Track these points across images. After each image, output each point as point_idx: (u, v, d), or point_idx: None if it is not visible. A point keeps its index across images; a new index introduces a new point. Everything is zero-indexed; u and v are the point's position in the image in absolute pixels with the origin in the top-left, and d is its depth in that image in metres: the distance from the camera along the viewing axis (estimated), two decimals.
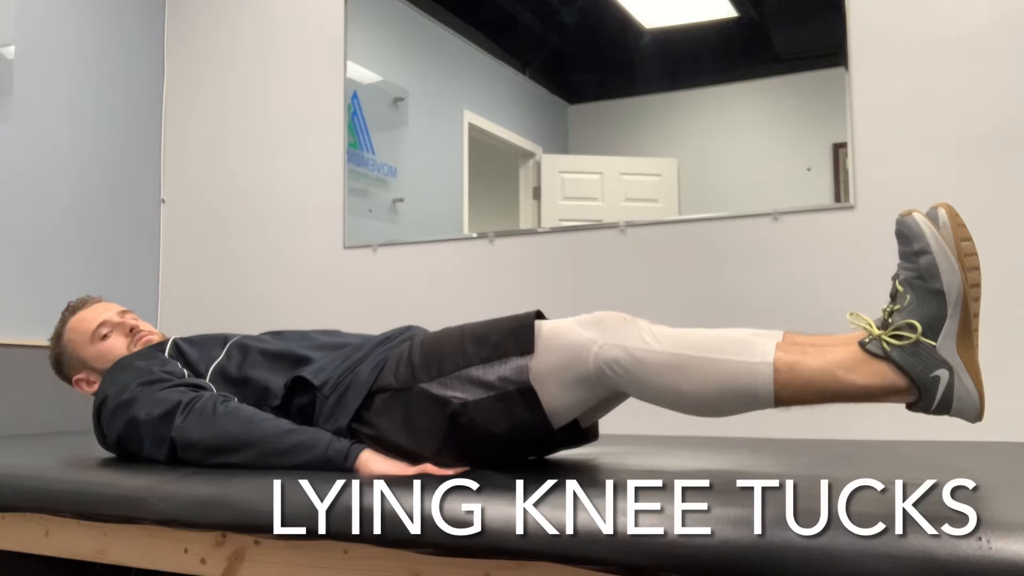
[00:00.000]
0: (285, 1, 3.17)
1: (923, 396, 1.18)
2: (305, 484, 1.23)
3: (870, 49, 2.31)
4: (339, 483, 1.22)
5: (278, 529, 1.19)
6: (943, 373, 1.17)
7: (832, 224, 2.32)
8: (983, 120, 2.19)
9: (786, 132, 2.41)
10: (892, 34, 2.29)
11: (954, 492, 1.10)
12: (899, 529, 0.88)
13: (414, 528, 1.10)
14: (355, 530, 1.14)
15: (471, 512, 1.08)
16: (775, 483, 1.20)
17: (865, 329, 1.22)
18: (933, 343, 1.17)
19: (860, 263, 2.29)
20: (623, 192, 2.65)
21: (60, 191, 2.93)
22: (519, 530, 1.04)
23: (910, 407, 1.21)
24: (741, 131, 2.51)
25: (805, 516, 0.94)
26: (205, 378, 1.58)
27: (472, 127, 2.92)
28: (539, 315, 1.40)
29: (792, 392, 1.21)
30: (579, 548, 1.00)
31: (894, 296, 1.22)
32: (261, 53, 3.19)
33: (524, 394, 1.30)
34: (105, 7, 3.11)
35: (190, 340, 1.69)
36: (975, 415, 1.20)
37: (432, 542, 1.09)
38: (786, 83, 2.43)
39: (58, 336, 1.74)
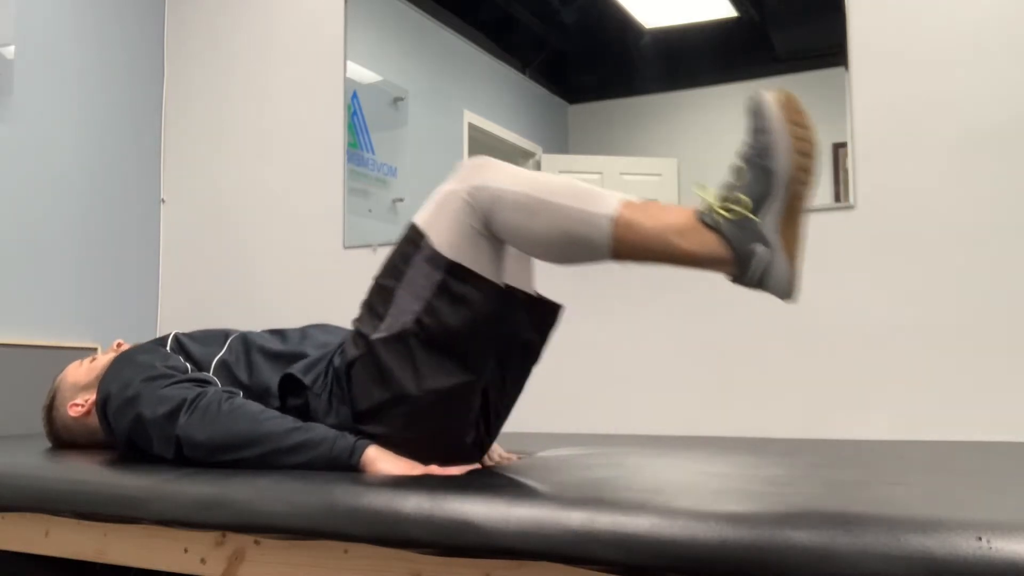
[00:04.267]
0: (285, 1, 3.17)
1: (742, 269, 1.24)
2: (305, 484, 1.23)
3: (870, 49, 2.31)
4: (340, 483, 1.22)
5: (278, 529, 1.20)
6: (762, 249, 1.23)
7: (832, 224, 2.32)
8: (983, 120, 2.19)
9: None
10: (892, 34, 2.29)
11: (954, 492, 1.10)
12: (899, 529, 0.88)
13: (414, 528, 1.10)
14: (355, 530, 1.14)
15: (471, 512, 1.08)
16: (775, 483, 1.20)
17: (705, 200, 1.27)
18: (758, 219, 1.23)
19: (860, 263, 2.29)
20: (623, 192, 2.65)
21: (60, 191, 2.93)
22: (519, 530, 1.04)
23: (733, 281, 1.26)
24: (741, 131, 2.50)
25: (805, 516, 0.94)
26: (208, 373, 1.58)
27: (472, 127, 2.92)
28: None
29: (627, 247, 1.26)
30: (579, 548, 1.00)
31: (734, 172, 1.28)
32: (261, 53, 3.19)
33: (452, 271, 1.33)
34: (105, 7, 3.11)
35: (191, 335, 1.69)
36: (786, 292, 1.25)
37: (432, 542, 1.09)
38: (786, 83, 2.42)
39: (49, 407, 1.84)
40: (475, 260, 1.34)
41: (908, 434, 2.20)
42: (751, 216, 1.23)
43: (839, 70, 2.34)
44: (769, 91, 1.26)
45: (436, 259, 1.34)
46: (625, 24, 2.66)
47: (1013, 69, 2.17)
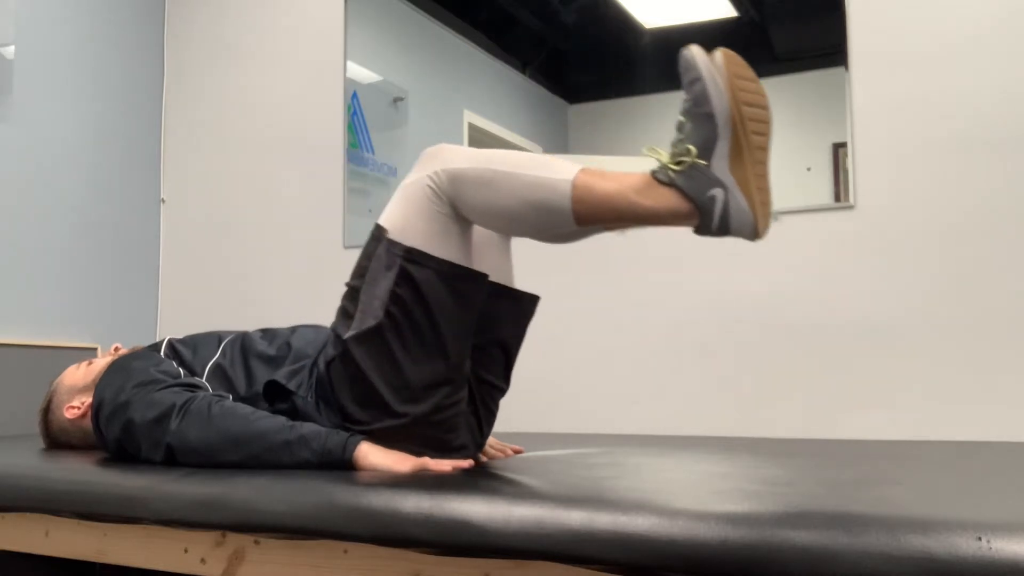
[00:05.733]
0: (285, 1, 3.17)
1: (703, 217, 1.25)
2: (305, 483, 1.23)
3: (870, 49, 2.31)
4: (339, 482, 1.22)
5: (278, 529, 1.20)
6: (718, 192, 1.24)
7: (832, 224, 2.32)
8: (983, 120, 2.19)
9: (786, 132, 2.41)
10: (892, 34, 2.29)
11: (954, 492, 1.10)
12: (899, 529, 0.88)
13: (414, 528, 1.10)
14: (355, 530, 1.14)
15: (471, 512, 1.08)
16: (775, 483, 1.20)
17: (657, 159, 1.29)
18: (706, 163, 1.24)
19: (860, 263, 2.29)
20: None
21: (60, 191, 2.93)
22: (519, 530, 1.04)
23: (696, 231, 1.27)
24: None
25: (805, 516, 0.94)
26: (202, 377, 1.58)
27: (472, 127, 2.92)
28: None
29: (588, 209, 1.27)
30: (579, 548, 1.00)
31: (678, 127, 1.29)
32: (261, 53, 3.19)
33: (408, 258, 1.35)
34: (105, 7, 3.11)
35: (184, 341, 1.70)
36: (751, 231, 1.26)
37: (432, 542, 1.09)
38: (786, 83, 2.42)
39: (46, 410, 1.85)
40: (441, 245, 1.35)
41: (908, 434, 2.20)
42: (699, 162, 1.24)
43: (839, 70, 2.34)
44: (695, 46, 1.29)
45: (393, 247, 1.36)
46: (625, 24, 2.66)
47: (1013, 69, 2.17)
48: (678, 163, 1.26)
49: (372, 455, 1.34)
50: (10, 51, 2.78)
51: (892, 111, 2.28)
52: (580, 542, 1.00)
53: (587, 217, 1.28)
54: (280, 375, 1.49)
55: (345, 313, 1.43)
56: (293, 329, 1.65)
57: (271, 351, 1.57)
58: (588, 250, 2.61)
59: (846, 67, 2.33)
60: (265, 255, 3.11)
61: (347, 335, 1.39)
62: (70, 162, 2.97)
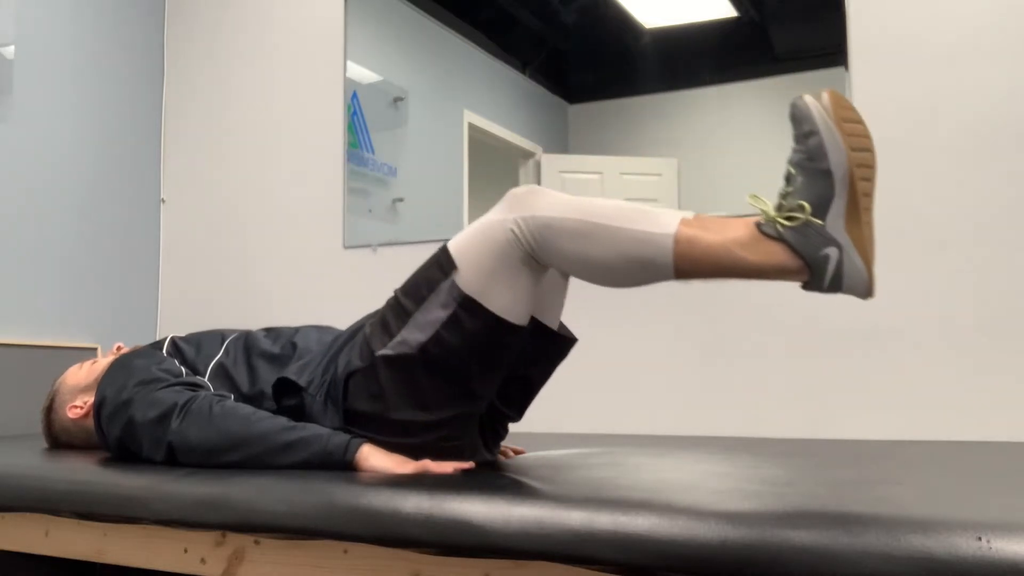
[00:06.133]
0: (285, 1, 3.17)
1: (814, 275, 1.21)
2: (305, 484, 1.23)
3: (870, 48, 2.31)
4: (339, 482, 1.22)
5: (278, 529, 1.20)
6: (832, 251, 1.20)
7: None
8: (983, 120, 2.19)
9: (786, 132, 2.41)
10: (892, 34, 2.29)
11: (954, 492, 1.10)
12: (899, 529, 0.88)
13: (414, 528, 1.10)
14: (355, 530, 1.14)
15: (471, 512, 1.08)
16: (775, 483, 1.20)
17: (762, 211, 1.24)
18: (822, 222, 1.20)
19: None
20: (623, 192, 2.65)
21: (60, 191, 2.93)
22: (519, 530, 1.04)
23: (804, 287, 1.23)
24: (741, 131, 2.51)
25: (805, 516, 0.94)
26: (204, 376, 1.58)
27: (472, 127, 2.92)
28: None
29: (690, 264, 1.23)
30: (579, 548, 1.00)
31: (788, 179, 1.25)
32: (261, 53, 3.19)
33: (465, 306, 1.31)
34: (105, 7, 3.11)
35: (187, 339, 1.69)
36: (865, 291, 1.22)
37: (432, 542, 1.09)
38: (786, 83, 2.42)
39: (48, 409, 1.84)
40: (504, 291, 1.31)
41: (908, 434, 2.20)
42: (814, 220, 1.19)
43: (839, 70, 2.34)
44: (808, 94, 1.24)
45: (455, 291, 1.32)
46: (625, 24, 2.66)
47: (1013, 69, 2.17)
48: (789, 218, 1.20)
49: (373, 458, 1.33)
50: (10, 51, 2.78)
51: (892, 111, 2.28)
52: (580, 542, 1.00)
53: (688, 272, 1.24)
54: (290, 372, 1.48)
55: (385, 326, 1.39)
56: (297, 329, 1.64)
57: (275, 349, 1.57)
58: None
59: (846, 67, 2.33)
60: (265, 255, 3.11)
61: (380, 352, 1.37)
62: (70, 162, 2.97)
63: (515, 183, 2.86)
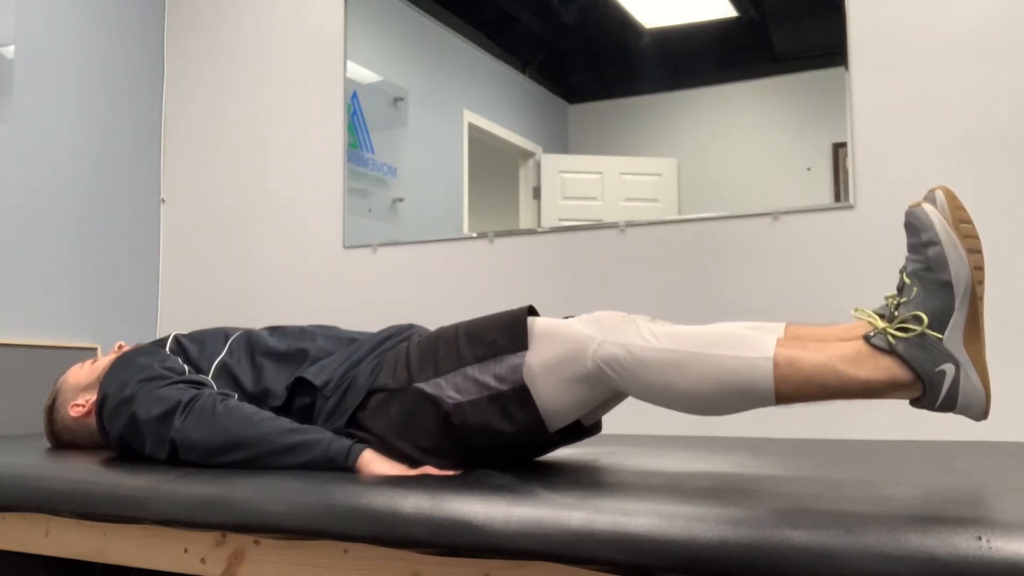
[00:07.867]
0: (285, 1, 3.17)
1: (928, 391, 1.14)
2: (305, 484, 1.23)
3: (870, 48, 2.31)
4: (339, 483, 1.22)
5: (278, 529, 1.20)
6: (949, 368, 1.13)
7: (832, 224, 2.32)
8: (983, 119, 2.19)
9: (786, 132, 2.41)
10: (892, 33, 2.29)
11: (954, 492, 1.10)
12: (899, 529, 0.88)
13: (414, 528, 1.10)
14: (355, 530, 1.14)
15: (471, 512, 1.08)
16: (776, 483, 1.20)
17: (870, 323, 1.18)
18: (940, 336, 1.13)
19: (860, 263, 2.29)
20: (623, 192, 2.65)
21: (60, 191, 2.93)
22: (519, 530, 1.04)
23: (914, 403, 1.17)
24: (741, 131, 2.51)
25: (805, 516, 0.94)
26: (208, 375, 1.58)
27: (472, 127, 2.92)
28: (532, 311, 1.39)
29: (793, 388, 1.17)
30: (579, 548, 1.00)
31: (901, 288, 1.19)
32: (261, 53, 3.19)
33: (518, 393, 1.29)
34: (105, 7, 3.11)
35: (191, 336, 1.69)
36: (981, 412, 1.15)
37: (432, 542, 1.09)
38: (786, 83, 2.42)
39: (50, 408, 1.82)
40: (558, 400, 1.28)
41: (908, 434, 2.20)
42: (932, 333, 1.13)
43: (839, 70, 2.34)
44: (924, 200, 1.16)
45: (516, 375, 1.29)
46: (625, 24, 2.66)
47: (1013, 69, 2.17)
48: (902, 330, 1.14)
49: (374, 464, 1.33)
50: (10, 51, 2.78)
51: (892, 111, 2.28)
52: (580, 542, 1.00)
53: (790, 396, 1.18)
54: (309, 372, 1.48)
55: (434, 360, 1.36)
56: (303, 328, 1.64)
57: (282, 348, 1.57)
58: (589, 251, 2.61)
59: (846, 67, 2.33)
60: (265, 255, 3.11)
61: (417, 383, 1.35)
62: (70, 162, 2.97)
63: (515, 183, 2.87)
